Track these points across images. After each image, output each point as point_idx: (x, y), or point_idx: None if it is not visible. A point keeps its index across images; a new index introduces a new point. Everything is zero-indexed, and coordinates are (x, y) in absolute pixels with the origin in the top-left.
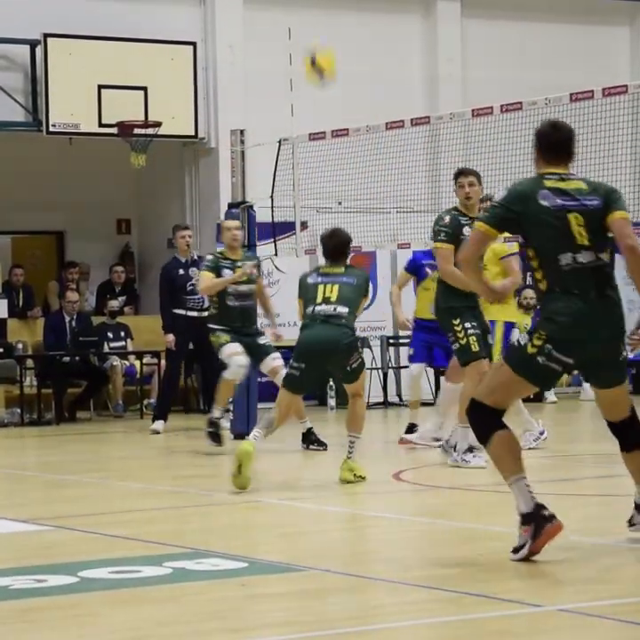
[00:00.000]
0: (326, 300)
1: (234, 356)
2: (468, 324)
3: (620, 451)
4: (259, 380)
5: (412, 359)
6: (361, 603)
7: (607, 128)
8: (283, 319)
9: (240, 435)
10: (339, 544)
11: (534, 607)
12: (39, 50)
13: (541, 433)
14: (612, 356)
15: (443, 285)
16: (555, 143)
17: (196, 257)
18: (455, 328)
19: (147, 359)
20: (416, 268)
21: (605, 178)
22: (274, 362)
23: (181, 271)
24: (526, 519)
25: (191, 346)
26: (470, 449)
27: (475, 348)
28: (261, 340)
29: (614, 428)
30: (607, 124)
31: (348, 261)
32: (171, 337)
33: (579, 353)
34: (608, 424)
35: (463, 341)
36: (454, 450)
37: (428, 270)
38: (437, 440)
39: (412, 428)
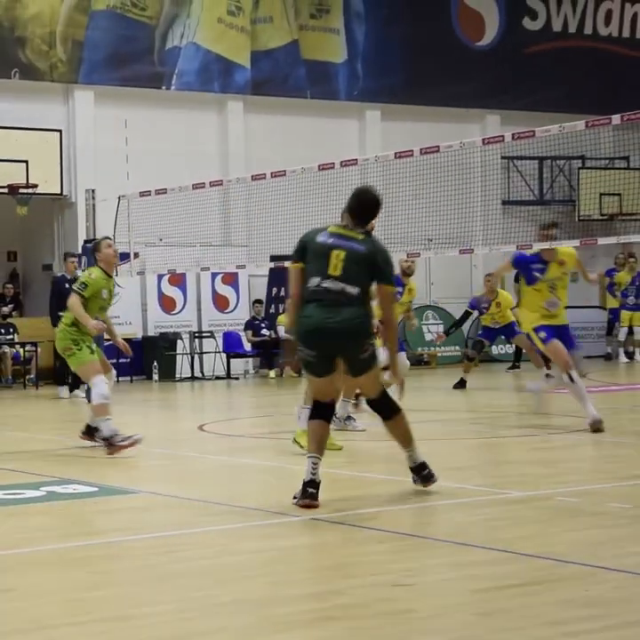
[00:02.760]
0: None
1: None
2: None
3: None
4: None
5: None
6: (176, 516)
7: (343, 187)
8: (123, 319)
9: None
10: (159, 475)
11: (297, 517)
12: None
13: None
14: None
15: None
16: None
17: (78, 275)
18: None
19: (28, 348)
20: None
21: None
22: None
23: (67, 285)
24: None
25: None
26: (348, 417)
27: None
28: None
29: (371, 404)
30: (343, 184)
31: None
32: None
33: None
34: (367, 402)
35: None
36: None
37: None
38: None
39: None
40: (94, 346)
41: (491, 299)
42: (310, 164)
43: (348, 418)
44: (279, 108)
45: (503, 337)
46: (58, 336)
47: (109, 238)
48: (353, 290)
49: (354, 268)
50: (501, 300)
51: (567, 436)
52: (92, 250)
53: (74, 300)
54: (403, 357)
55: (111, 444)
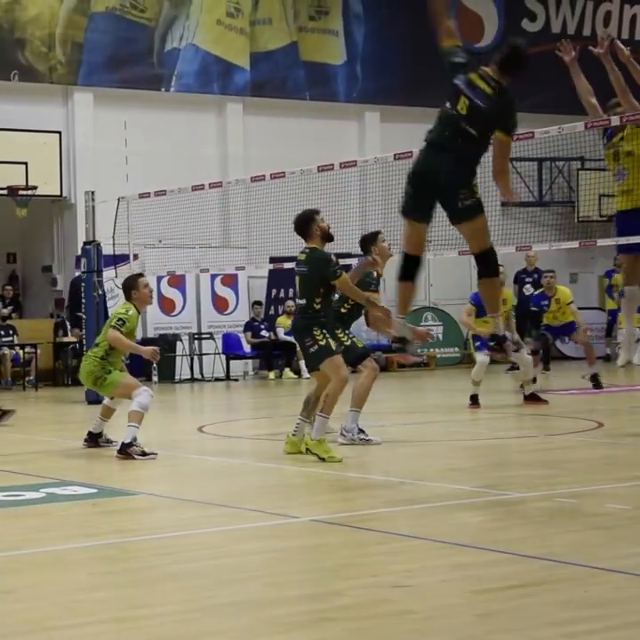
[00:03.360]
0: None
1: None
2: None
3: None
4: None
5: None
6: (176, 517)
7: (341, 190)
8: None
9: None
10: (159, 476)
11: (296, 518)
12: None
13: None
14: None
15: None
16: None
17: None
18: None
19: (27, 349)
20: None
21: (339, 225)
22: None
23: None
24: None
25: None
26: (361, 430)
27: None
28: None
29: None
30: (342, 187)
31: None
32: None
33: None
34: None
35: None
36: (346, 431)
37: None
38: None
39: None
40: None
41: (549, 296)
42: (309, 166)
43: (360, 431)
44: (278, 109)
45: (564, 335)
46: (86, 368)
47: (144, 276)
48: None
49: None
50: (560, 296)
51: (566, 438)
52: (129, 287)
53: (117, 336)
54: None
55: (126, 451)
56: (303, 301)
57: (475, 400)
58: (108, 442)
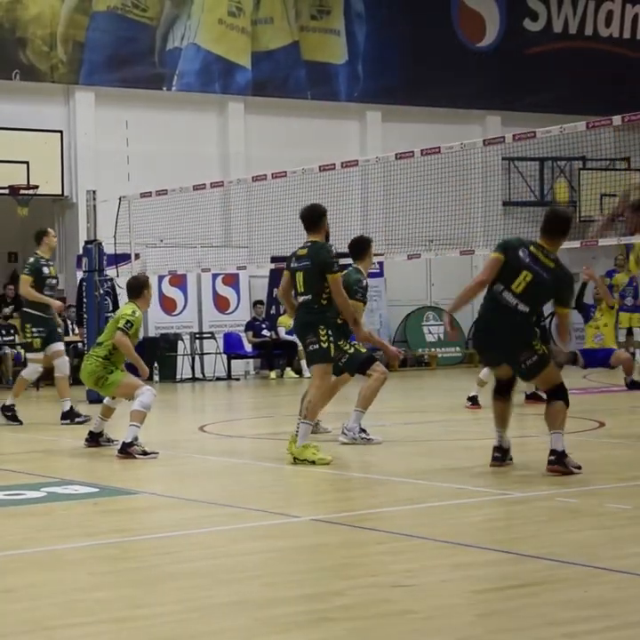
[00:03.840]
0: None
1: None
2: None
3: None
4: None
5: None
6: (177, 516)
7: (343, 189)
8: None
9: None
10: (160, 476)
11: (297, 518)
12: None
13: None
14: None
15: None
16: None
17: None
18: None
19: None
20: None
21: (341, 225)
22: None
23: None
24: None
25: None
26: (363, 430)
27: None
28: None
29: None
30: (343, 186)
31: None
32: None
33: None
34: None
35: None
36: (348, 430)
37: None
38: None
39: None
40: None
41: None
42: (311, 165)
43: (362, 431)
44: (280, 108)
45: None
46: (88, 368)
47: (147, 277)
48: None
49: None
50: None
51: (567, 438)
52: (141, 286)
53: (126, 342)
54: None
55: (127, 451)
56: (308, 297)
57: (475, 400)
58: (109, 441)
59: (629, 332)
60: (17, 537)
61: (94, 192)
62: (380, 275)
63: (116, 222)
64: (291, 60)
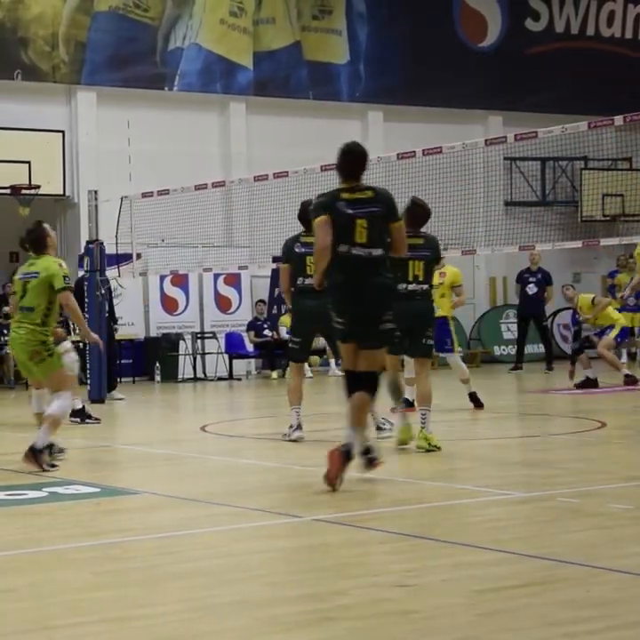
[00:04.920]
0: None
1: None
2: None
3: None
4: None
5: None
6: (178, 516)
7: None
8: (125, 320)
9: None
10: (161, 475)
11: (298, 518)
12: None
13: None
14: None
15: None
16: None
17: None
18: None
19: None
20: None
21: None
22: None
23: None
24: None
25: None
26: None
27: None
28: None
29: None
30: None
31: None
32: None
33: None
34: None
35: None
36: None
37: None
38: None
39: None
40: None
41: (572, 308)
42: (313, 165)
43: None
44: (281, 108)
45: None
46: (22, 338)
47: (40, 222)
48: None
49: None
50: (581, 304)
51: (568, 437)
52: (42, 236)
53: (73, 300)
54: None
55: (36, 456)
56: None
57: (475, 399)
58: (61, 451)
59: (631, 331)
60: (18, 537)
61: (96, 192)
62: None
63: (118, 222)
64: (292, 60)
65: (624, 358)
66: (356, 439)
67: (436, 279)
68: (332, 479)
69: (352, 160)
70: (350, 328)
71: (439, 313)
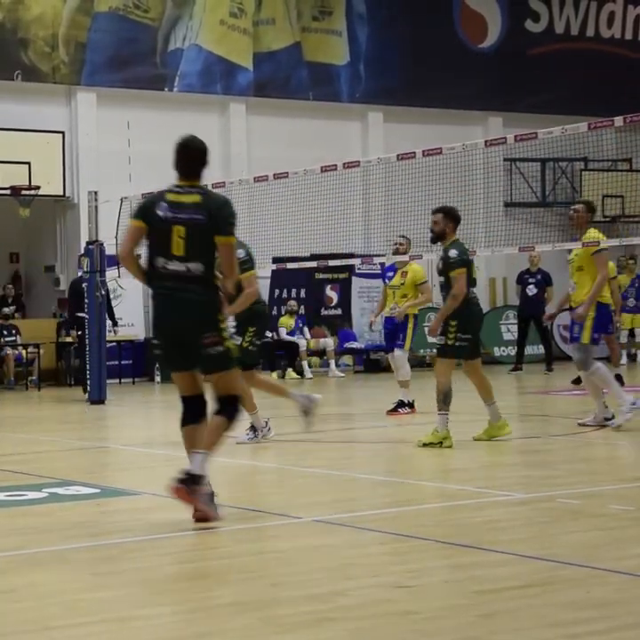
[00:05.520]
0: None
1: None
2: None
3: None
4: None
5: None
6: (178, 517)
7: (344, 190)
8: (125, 321)
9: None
10: (161, 476)
11: (298, 518)
12: None
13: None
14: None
15: None
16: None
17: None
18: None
19: (30, 349)
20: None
21: (342, 225)
22: None
23: (84, 285)
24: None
25: None
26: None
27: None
28: None
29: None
30: (345, 187)
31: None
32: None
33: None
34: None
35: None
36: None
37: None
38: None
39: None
40: None
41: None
42: (313, 166)
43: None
44: (281, 109)
45: None
46: None
47: None
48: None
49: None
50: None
51: (568, 438)
52: None
53: None
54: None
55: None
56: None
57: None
58: None
59: (631, 333)
60: (19, 537)
61: (96, 193)
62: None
63: (118, 223)
64: (292, 61)
65: (623, 359)
66: (198, 463)
67: (397, 279)
68: (201, 516)
69: (186, 156)
70: (167, 352)
71: None
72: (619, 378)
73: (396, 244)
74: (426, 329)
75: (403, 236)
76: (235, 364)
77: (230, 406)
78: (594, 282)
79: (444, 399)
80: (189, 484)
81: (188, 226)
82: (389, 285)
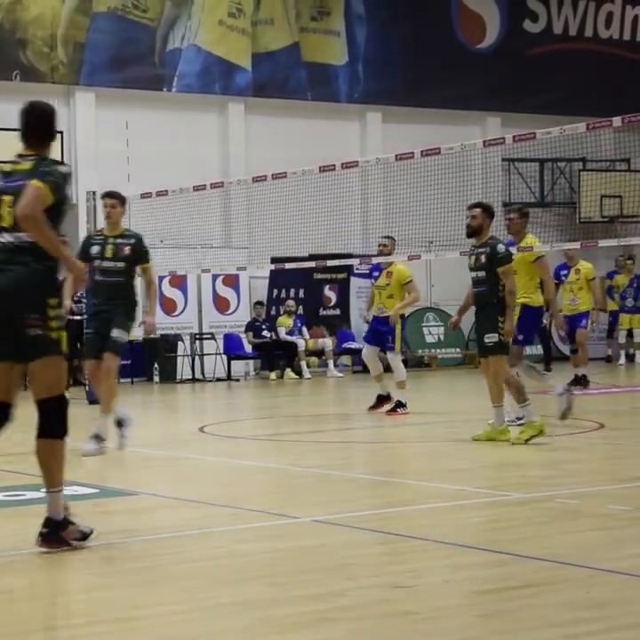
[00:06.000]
0: None
1: None
2: None
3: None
4: None
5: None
6: (177, 517)
7: (343, 190)
8: None
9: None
10: (160, 476)
11: (297, 518)
12: None
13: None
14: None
15: None
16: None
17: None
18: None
19: None
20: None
21: (341, 226)
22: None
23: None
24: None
25: None
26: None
27: None
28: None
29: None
30: (343, 187)
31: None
32: None
33: None
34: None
35: None
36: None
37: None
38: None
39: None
40: None
41: (570, 266)
42: (311, 166)
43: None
44: (280, 109)
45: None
46: None
47: None
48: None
49: None
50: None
51: (567, 438)
52: None
53: None
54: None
55: None
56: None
57: (383, 400)
58: None
59: (630, 333)
60: (17, 537)
61: (94, 193)
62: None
63: None
64: (291, 61)
65: (622, 360)
66: (54, 507)
67: (382, 280)
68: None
69: (25, 123)
70: None
71: (386, 312)
72: (583, 379)
73: (380, 245)
74: (425, 329)
75: (387, 237)
76: (59, 354)
77: (54, 416)
78: (530, 283)
79: (520, 391)
80: (56, 533)
81: (17, 194)
82: (375, 285)
